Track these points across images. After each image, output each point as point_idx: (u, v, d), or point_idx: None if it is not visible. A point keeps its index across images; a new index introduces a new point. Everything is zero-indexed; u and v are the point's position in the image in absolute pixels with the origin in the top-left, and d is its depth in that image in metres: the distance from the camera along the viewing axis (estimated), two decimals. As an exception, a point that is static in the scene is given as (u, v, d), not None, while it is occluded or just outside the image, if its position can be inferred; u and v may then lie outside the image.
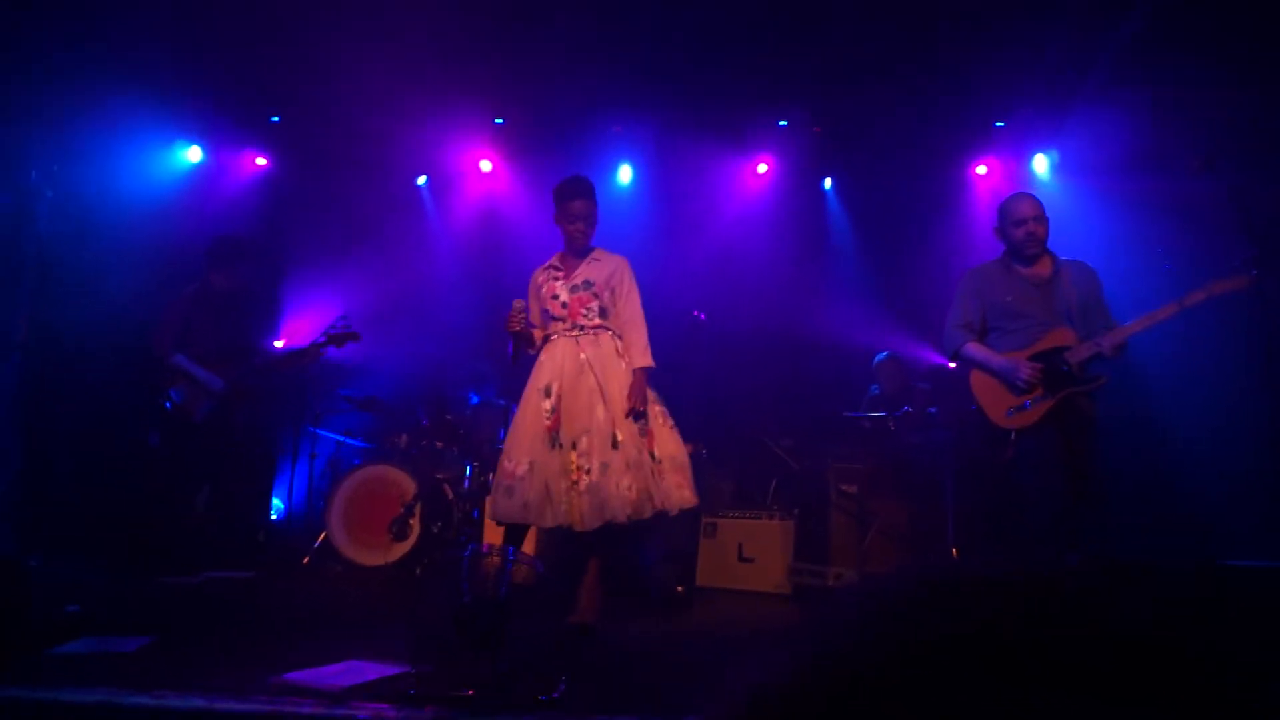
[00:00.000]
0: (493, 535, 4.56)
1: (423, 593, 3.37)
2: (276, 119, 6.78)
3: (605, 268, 3.81)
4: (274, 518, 6.35)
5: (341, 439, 6.13)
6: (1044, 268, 3.75)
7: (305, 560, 5.30)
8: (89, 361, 5.56)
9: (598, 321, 3.73)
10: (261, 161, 7.11)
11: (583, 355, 3.66)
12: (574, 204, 3.77)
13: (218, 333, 5.15)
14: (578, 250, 3.84)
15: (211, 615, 3.92)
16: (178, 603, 4.15)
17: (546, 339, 3.80)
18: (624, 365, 3.69)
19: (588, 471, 3.48)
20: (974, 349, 3.79)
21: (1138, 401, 5.34)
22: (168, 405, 5.02)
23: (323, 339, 5.25)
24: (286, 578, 5.01)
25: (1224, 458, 5.20)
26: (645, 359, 3.71)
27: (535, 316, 3.86)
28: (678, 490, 3.64)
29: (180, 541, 4.89)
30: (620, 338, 3.75)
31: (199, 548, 4.91)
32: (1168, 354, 5.07)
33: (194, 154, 6.88)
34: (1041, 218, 3.73)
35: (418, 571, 4.90)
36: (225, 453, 5.15)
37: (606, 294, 3.76)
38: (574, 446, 3.53)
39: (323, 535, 5.28)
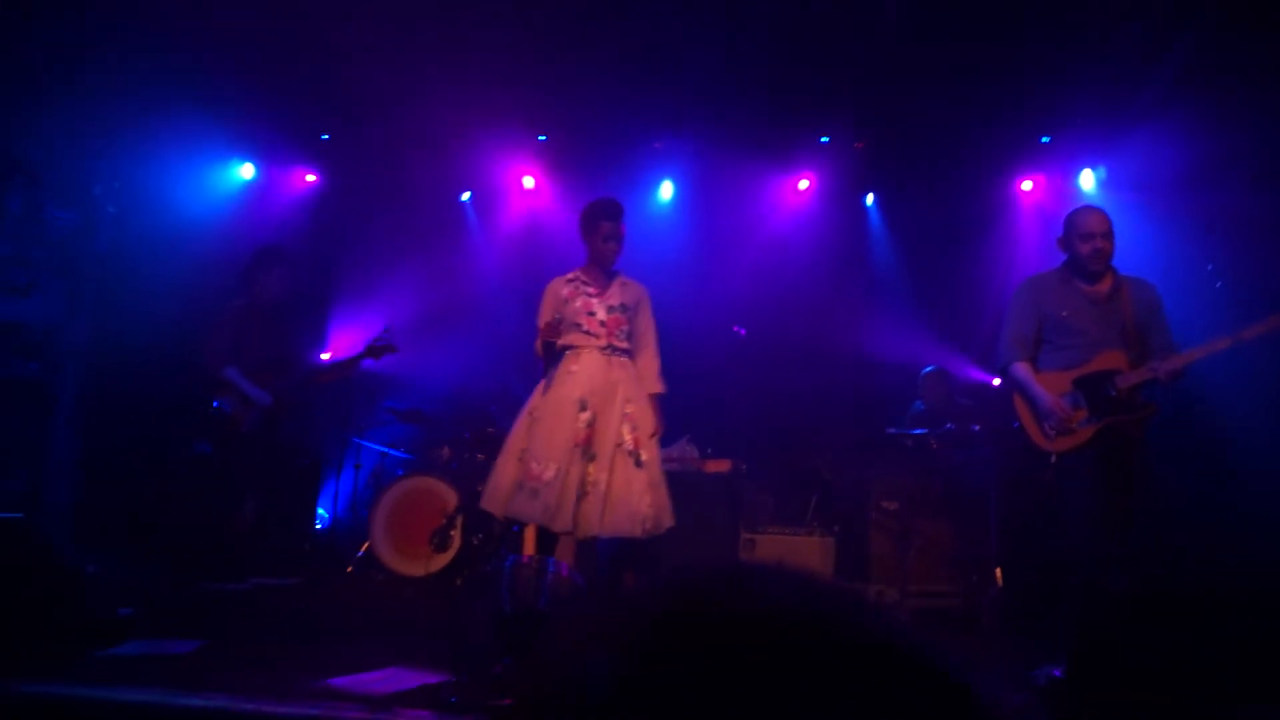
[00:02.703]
0: (532, 548, 4.60)
1: (463, 603, 3.42)
2: (326, 136, 6.94)
3: (633, 293, 3.97)
4: (319, 527, 6.46)
5: (385, 450, 6.23)
6: (1104, 285, 3.64)
7: (349, 569, 5.38)
8: (144, 371, 5.72)
9: (626, 344, 3.89)
10: (311, 178, 7.28)
11: (614, 375, 3.81)
12: (609, 224, 3.89)
13: (265, 345, 5.25)
14: (606, 269, 3.92)
15: (259, 621, 4.01)
16: (227, 608, 4.25)
17: (568, 349, 3.85)
18: (642, 388, 3.88)
19: (604, 485, 3.63)
20: (1021, 371, 3.68)
21: (1204, 424, 5.16)
22: (216, 415, 5.13)
23: (362, 350, 5.35)
24: (331, 586, 5.10)
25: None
26: (661, 385, 3.96)
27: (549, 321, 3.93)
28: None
29: (229, 548, 5.00)
30: (636, 362, 3.93)
31: (247, 555, 5.02)
32: (1236, 377, 4.90)
33: (247, 170, 7.07)
34: (1110, 234, 3.61)
35: (458, 582, 4.95)
36: (272, 462, 5.26)
37: (632, 320, 3.93)
38: (594, 459, 3.65)
39: (366, 545, 5.36)
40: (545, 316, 3.91)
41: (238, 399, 5.12)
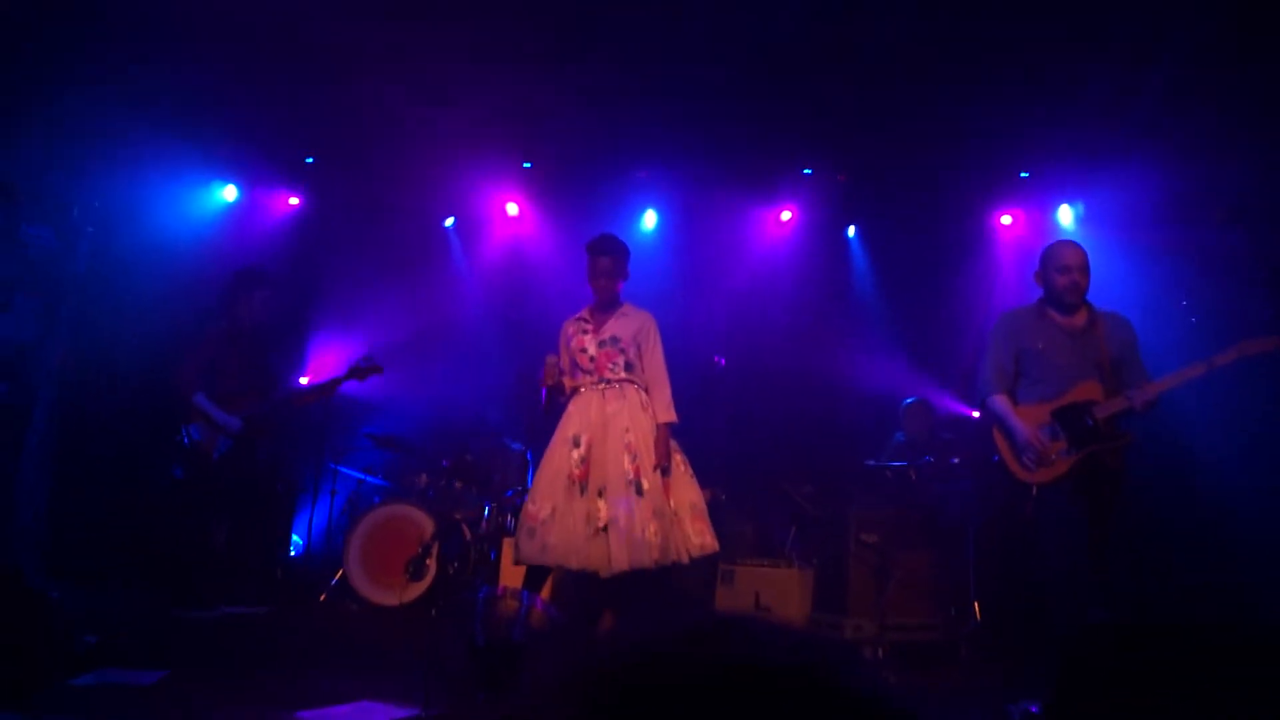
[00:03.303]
0: (509, 577, 4.55)
1: (437, 634, 3.38)
2: (310, 160, 6.94)
3: (632, 324, 3.97)
4: (293, 554, 6.37)
5: (362, 476, 6.17)
6: (1080, 318, 3.69)
7: (322, 597, 5.30)
8: (119, 394, 5.66)
9: (623, 375, 3.90)
10: (294, 201, 7.26)
11: (609, 408, 3.83)
12: (599, 260, 3.97)
13: (242, 370, 5.20)
14: (605, 304, 3.97)
15: (227, 650, 3.94)
16: (194, 636, 4.17)
17: (574, 390, 3.90)
18: (649, 417, 3.85)
19: (614, 519, 3.61)
20: (998, 404, 3.71)
21: (1178, 456, 5.20)
22: (185, 441, 5.05)
23: (345, 372, 5.31)
24: (303, 614, 5.02)
25: (1273, 514, 5.05)
26: (670, 414, 3.91)
27: (564, 364, 3.99)
28: (698, 536, 3.81)
29: (199, 575, 4.91)
30: (645, 391, 3.90)
31: (217, 582, 4.93)
32: (1210, 406, 4.95)
33: (230, 193, 7.05)
34: (1085, 269, 3.66)
35: (433, 612, 4.88)
36: (244, 488, 5.19)
37: (633, 349, 3.93)
38: (600, 494, 3.64)
39: (340, 573, 5.28)
40: (561, 357, 4.01)
41: (207, 425, 5.05)
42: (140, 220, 6.11)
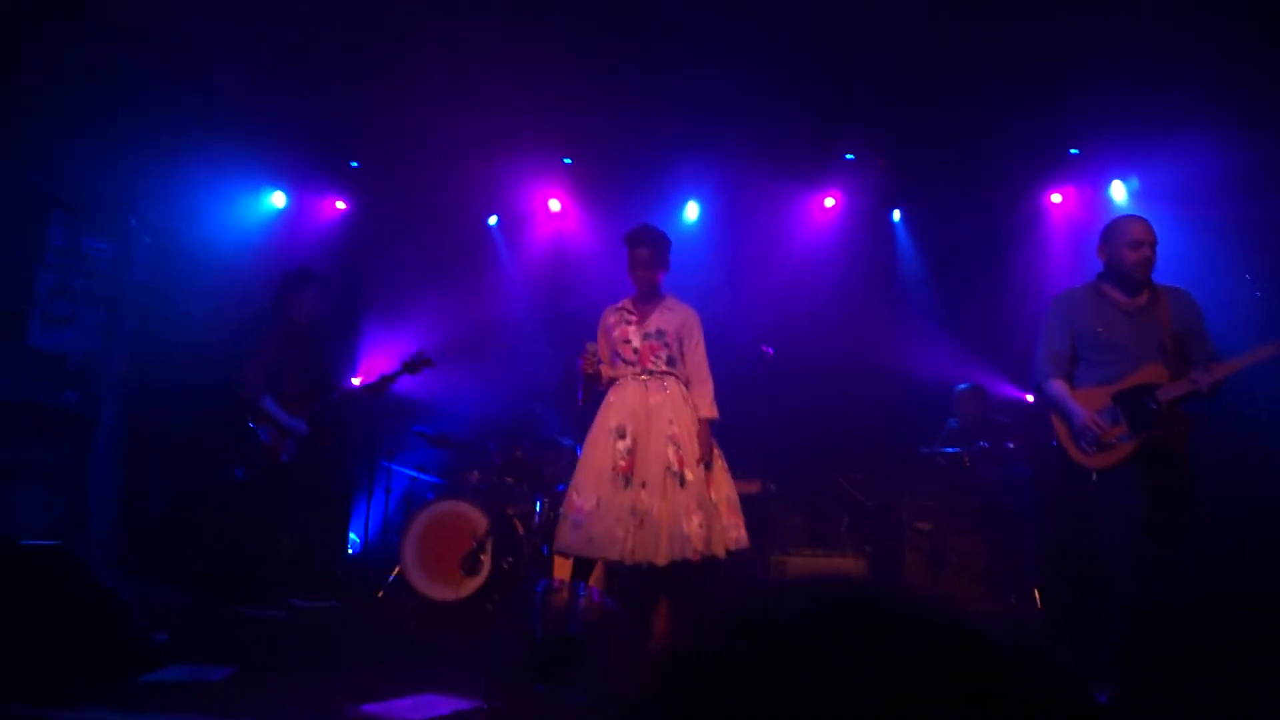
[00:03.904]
0: (563, 571, 4.58)
1: (494, 627, 3.42)
2: (356, 164, 7.05)
3: (676, 318, 3.96)
4: (350, 552, 6.50)
5: (415, 474, 6.26)
6: (1141, 296, 3.56)
7: (380, 594, 5.39)
8: (182, 399, 5.81)
9: (664, 368, 3.89)
10: (341, 205, 7.39)
11: (652, 400, 3.81)
12: (637, 251, 3.95)
13: (302, 370, 5.32)
14: (646, 295, 3.95)
15: (291, 646, 4.02)
16: (261, 634, 4.27)
17: (613, 379, 3.89)
18: (690, 409, 3.85)
19: (654, 510, 3.59)
20: (1055, 388, 3.61)
21: (1247, 434, 5.01)
22: (255, 444, 5.18)
23: (398, 368, 5.38)
24: (362, 611, 5.11)
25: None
26: (712, 410, 3.91)
27: (603, 353, 3.97)
28: (735, 530, 3.80)
29: (265, 574, 5.04)
30: (686, 384, 3.90)
31: (283, 580, 5.05)
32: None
33: (278, 199, 7.19)
34: (1155, 243, 3.53)
35: (489, 606, 4.94)
36: (308, 488, 5.31)
37: (676, 344, 3.92)
38: (643, 486, 3.62)
39: (397, 569, 5.37)
40: (600, 346, 4.00)
41: (275, 429, 5.17)
42: (194, 228, 6.27)
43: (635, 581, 3.95)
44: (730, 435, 4.64)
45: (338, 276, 6.65)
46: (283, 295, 5.41)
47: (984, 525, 4.92)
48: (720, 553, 3.68)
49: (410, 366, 5.34)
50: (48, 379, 5.32)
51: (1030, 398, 6.13)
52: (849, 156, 6.66)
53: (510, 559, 5.23)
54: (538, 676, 2.52)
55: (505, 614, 2.94)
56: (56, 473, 5.28)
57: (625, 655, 3.48)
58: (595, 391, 3.98)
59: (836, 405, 6.32)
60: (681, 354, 3.94)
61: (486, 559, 5.16)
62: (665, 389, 3.85)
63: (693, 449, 3.76)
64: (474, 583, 5.14)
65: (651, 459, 3.70)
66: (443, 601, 5.14)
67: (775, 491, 5.29)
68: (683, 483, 3.68)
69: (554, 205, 7.31)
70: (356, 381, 6.77)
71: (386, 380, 5.40)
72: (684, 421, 3.80)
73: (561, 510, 3.83)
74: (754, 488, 5.32)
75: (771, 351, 5.63)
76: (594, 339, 4.05)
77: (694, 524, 3.60)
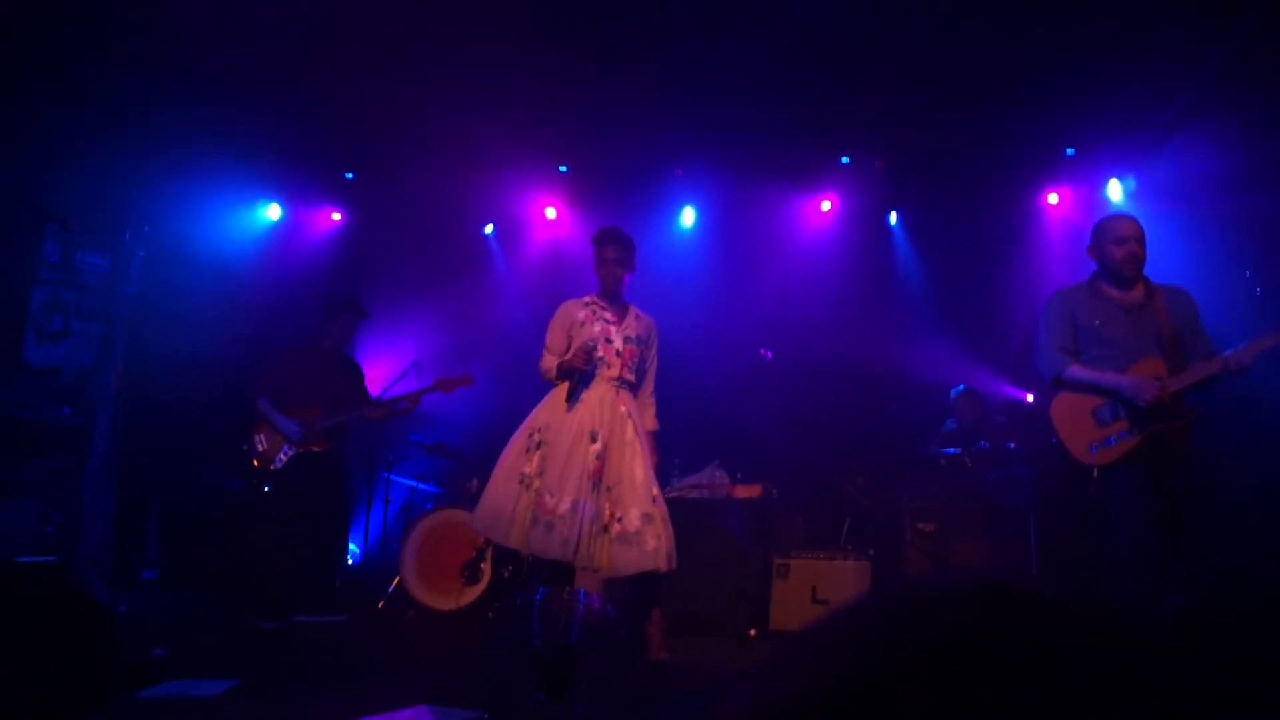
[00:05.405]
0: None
1: (495, 637, 3.39)
2: (350, 175, 7.03)
3: (644, 327, 4.00)
4: (349, 563, 6.46)
5: (414, 484, 6.22)
6: (1137, 292, 3.55)
7: (380, 605, 5.36)
8: (177, 411, 5.79)
9: (633, 378, 3.90)
10: (336, 216, 7.37)
11: (621, 408, 3.79)
12: (604, 249, 3.96)
13: (309, 385, 5.30)
14: (612, 294, 3.93)
15: (290, 659, 3.99)
16: (260, 647, 4.24)
17: (579, 374, 3.83)
18: (641, 421, 3.87)
19: (619, 520, 3.60)
20: (1079, 370, 3.54)
21: (1252, 428, 4.97)
22: (249, 451, 5.18)
23: (430, 383, 5.33)
24: (362, 622, 5.08)
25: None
26: (657, 424, 4.00)
27: (560, 345, 3.93)
28: (670, 542, 3.72)
29: (263, 586, 5.00)
30: (635, 394, 3.92)
31: (282, 593, 5.02)
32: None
33: (273, 211, 7.17)
34: (1142, 239, 3.53)
35: (490, 615, 4.91)
36: (307, 499, 5.27)
37: (642, 352, 3.96)
38: (608, 492, 3.62)
39: (397, 579, 5.34)
40: (556, 336, 3.96)
41: (270, 434, 5.18)
42: (188, 242, 6.26)
43: (627, 590, 3.92)
44: (730, 439, 4.63)
45: (334, 286, 6.63)
46: (323, 315, 5.50)
47: (987, 526, 4.90)
48: (673, 565, 3.62)
49: (443, 385, 5.27)
50: (41, 394, 5.30)
51: (1030, 397, 6.11)
52: (845, 160, 6.66)
53: (510, 567, 5.20)
54: (538, 685, 2.49)
55: (507, 622, 2.91)
56: (51, 487, 5.25)
57: (625, 664, 3.45)
58: (578, 394, 3.85)
59: (836, 408, 6.30)
60: (643, 364, 3.97)
61: (487, 568, 5.13)
62: (630, 399, 3.85)
63: (649, 460, 3.76)
64: (474, 592, 5.11)
65: (621, 467, 3.69)
66: (443, 611, 5.11)
67: (775, 495, 5.26)
68: (650, 496, 3.67)
69: (550, 213, 7.30)
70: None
71: (415, 395, 5.31)
72: (643, 433, 3.82)
73: (532, 511, 3.69)
74: (755, 491, 5.29)
75: (770, 355, 5.61)
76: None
77: (664, 538, 3.58)
